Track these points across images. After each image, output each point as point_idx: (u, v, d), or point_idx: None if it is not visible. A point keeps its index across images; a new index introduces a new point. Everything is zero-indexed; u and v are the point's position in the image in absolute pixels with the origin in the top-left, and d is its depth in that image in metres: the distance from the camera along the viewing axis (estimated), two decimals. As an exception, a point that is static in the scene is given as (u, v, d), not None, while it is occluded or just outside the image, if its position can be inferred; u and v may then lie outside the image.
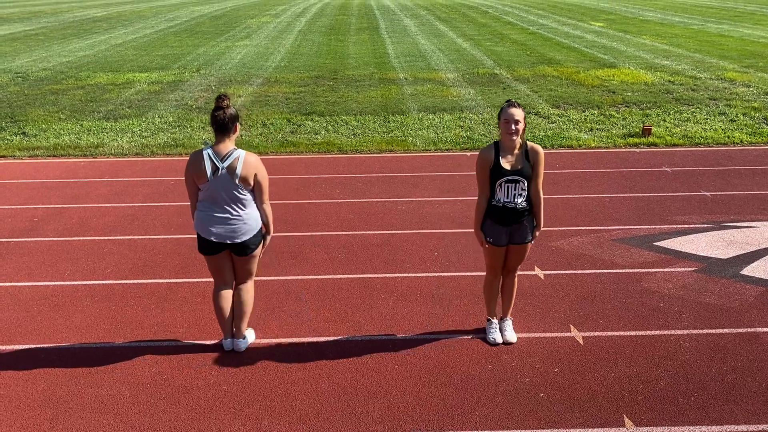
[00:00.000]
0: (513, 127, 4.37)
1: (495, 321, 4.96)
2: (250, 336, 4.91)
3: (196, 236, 4.62)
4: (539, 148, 4.53)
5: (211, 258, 4.62)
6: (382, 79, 15.75)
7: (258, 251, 4.63)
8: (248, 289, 4.74)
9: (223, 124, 4.36)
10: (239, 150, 4.42)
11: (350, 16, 33.05)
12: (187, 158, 4.57)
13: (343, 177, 8.93)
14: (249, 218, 4.49)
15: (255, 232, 4.54)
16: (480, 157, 4.52)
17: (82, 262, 6.37)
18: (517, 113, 4.37)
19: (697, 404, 4.20)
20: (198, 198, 4.53)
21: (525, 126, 4.46)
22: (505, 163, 4.45)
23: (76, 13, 36.25)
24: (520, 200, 4.52)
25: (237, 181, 4.38)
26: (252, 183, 4.45)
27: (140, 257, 6.47)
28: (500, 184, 4.47)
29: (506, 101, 4.55)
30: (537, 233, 4.72)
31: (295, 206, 7.82)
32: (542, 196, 4.61)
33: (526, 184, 4.49)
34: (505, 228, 4.61)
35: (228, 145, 4.41)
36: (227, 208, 4.44)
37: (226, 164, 4.35)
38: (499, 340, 4.86)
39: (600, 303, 5.46)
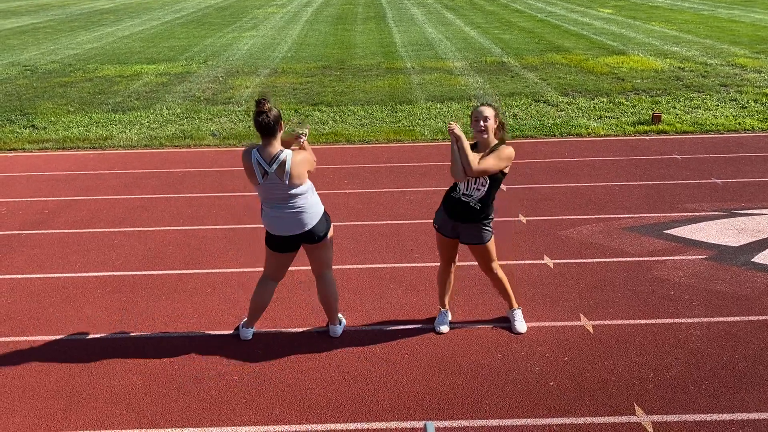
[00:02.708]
0: (481, 124, 4.46)
1: (445, 312, 4.99)
2: (343, 319, 5.01)
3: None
4: (508, 146, 4.49)
5: (277, 255, 4.62)
6: (390, 68, 15.70)
7: (328, 237, 4.63)
8: (329, 281, 4.74)
9: (268, 127, 4.33)
10: (286, 151, 4.38)
11: (357, 6, 32.92)
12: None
13: (351, 167, 8.92)
14: (309, 207, 4.49)
15: (319, 218, 4.53)
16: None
17: (92, 254, 6.40)
18: (486, 110, 4.48)
19: (708, 392, 4.18)
20: (258, 196, 4.55)
21: (497, 124, 4.51)
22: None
23: (84, 5, 36.29)
24: (476, 194, 4.52)
25: (287, 182, 4.38)
26: (305, 179, 4.45)
27: (150, 248, 6.50)
28: None
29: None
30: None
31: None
32: (483, 168, 4.38)
33: (487, 182, 4.50)
34: (451, 221, 4.63)
35: (275, 146, 4.38)
36: (286, 205, 4.44)
37: (274, 168, 4.34)
38: (444, 330, 4.88)
39: (610, 291, 5.44)
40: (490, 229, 4.67)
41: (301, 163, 4.40)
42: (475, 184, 4.51)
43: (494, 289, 5.08)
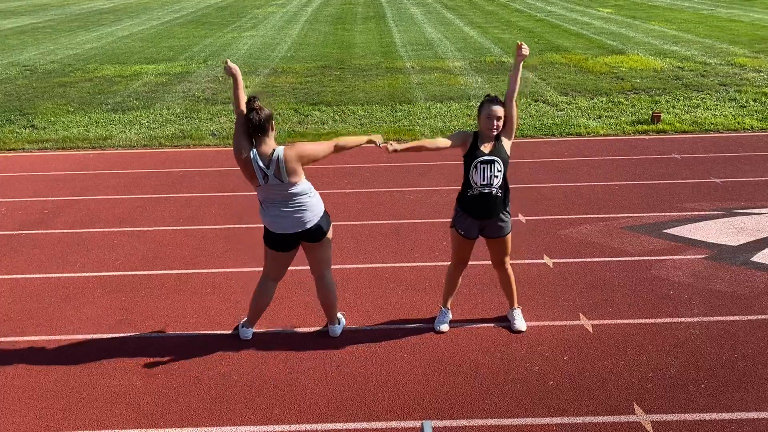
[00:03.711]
0: (495, 123, 4.52)
1: (445, 311, 4.99)
2: (342, 319, 5.02)
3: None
4: None
5: (277, 254, 4.62)
6: (389, 68, 15.70)
7: (328, 237, 4.64)
8: (329, 282, 4.76)
9: (260, 126, 4.36)
10: (278, 149, 4.40)
11: (356, 5, 32.91)
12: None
13: (351, 167, 8.93)
14: (311, 204, 4.51)
15: (321, 215, 4.55)
16: (461, 133, 4.66)
17: (92, 254, 6.41)
18: (499, 110, 4.53)
19: (708, 392, 4.19)
20: (258, 195, 4.55)
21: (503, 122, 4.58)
22: (482, 148, 4.56)
23: (83, 5, 36.27)
24: (496, 182, 4.55)
25: (286, 181, 4.40)
26: (302, 170, 4.46)
27: (150, 248, 6.50)
28: (476, 166, 4.53)
29: (486, 96, 4.64)
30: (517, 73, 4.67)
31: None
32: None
33: (501, 166, 4.55)
34: (477, 221, 4.64)
35: (269, 145, 4.40)
36: (288, 203, 4.46)
37: (272, 170, 4.37)
38: (444, 329, 4.90)
39: (609, 291, 5.45)
40: (510, 221, 4.73)
41: (292, 159, 4.41)
42: (490, 171, 4.53)
43: (499, 286, 5.07)
